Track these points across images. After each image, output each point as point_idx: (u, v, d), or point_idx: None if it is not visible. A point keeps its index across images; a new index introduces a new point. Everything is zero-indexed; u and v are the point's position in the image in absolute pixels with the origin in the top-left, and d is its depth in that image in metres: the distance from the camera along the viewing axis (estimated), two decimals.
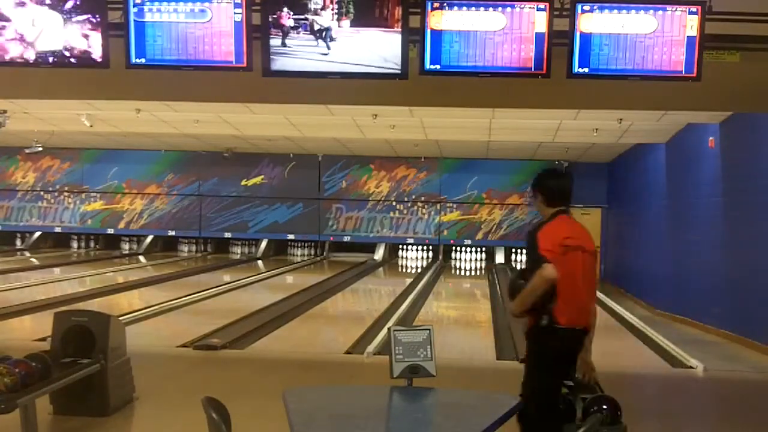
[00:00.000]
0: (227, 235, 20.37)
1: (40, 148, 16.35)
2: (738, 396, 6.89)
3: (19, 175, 20.60)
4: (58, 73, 6.25)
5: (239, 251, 20.98)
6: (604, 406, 3.66)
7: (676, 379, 7.40)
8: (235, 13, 5.70)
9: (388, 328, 3.59)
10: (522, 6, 5.60)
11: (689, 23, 5.58)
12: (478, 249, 20.21)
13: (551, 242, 3.91)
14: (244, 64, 5.78)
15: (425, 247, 20.18)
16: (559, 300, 3.90)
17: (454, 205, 19.68)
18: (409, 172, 19.73)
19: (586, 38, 5.63)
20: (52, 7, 5.77)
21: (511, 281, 4.20)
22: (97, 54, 5.83)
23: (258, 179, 20.03)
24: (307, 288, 13.86)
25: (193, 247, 21.29)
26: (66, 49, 5.82)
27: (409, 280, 15.49)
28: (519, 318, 4.13)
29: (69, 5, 5.77)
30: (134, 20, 5.74)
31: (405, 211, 19.78)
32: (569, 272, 3.88)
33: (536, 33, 5.62)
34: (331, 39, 5.66)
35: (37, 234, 20.95)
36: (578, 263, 3.94)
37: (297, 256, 20.67)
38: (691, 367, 7.61)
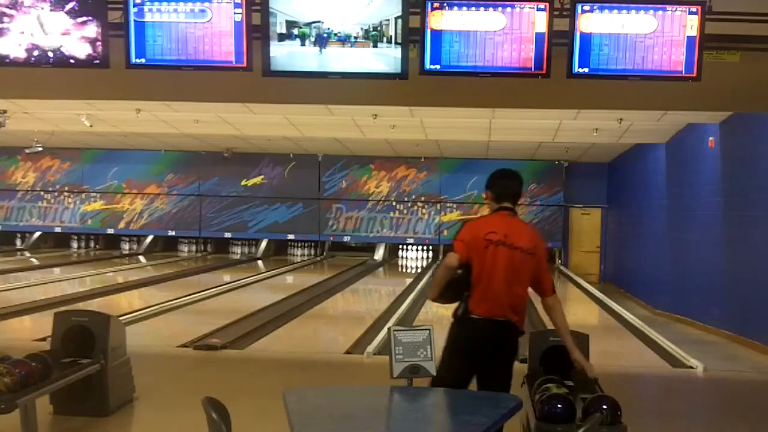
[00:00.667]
0: (227, 235, 20.38)
1: (40, 148, 16.35)
2: (738, 396, 6.89)
3: (19, 175, 20.60)
4: (58, 73, 6.25)
5: (239, 251, 20.98)
6: (604, 406, 3.66)
7: (676, 379, 7.40)
8: (235, 13, 5.70)
9: (388, 328, 3.59)
10: (522, 6, 5.60)
11: (689, 23, 5.57)
12: None
13: (470, 234, 4.04)
14: (244, 64, 5.77)
15: (425, 247, 20.18)
16: (475, 291, 3.99)
17: (454, 205, 19.68)
18: (409, 172, 19.74)
19: (586, 38, 5.63)
20: (52, 6, 5.77)
21: (434, 268, 4.26)
22: (96, 54, 5.82)
23: (258, 179, 20.03)
24: (307, 288, 13.86)
25: (193, 247, 21.29)
26: (66, 49, 5.82)
27: (409, 280, 15.48)
28: (442, 304, 4.21)
29: (69, 5, 5.76)
30: (134, 20, 5.74)
31: (405, 211, 19.78)
32: (488, 265, 3.96)
33: (536, 33, 5.62)
34: None
35: (37, 234, 20.96)
36: (501, 258, 3.96)
37: (297, 256, 20.67)
38: (691, 367, 7.61)
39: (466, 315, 4.02)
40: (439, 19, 5.63)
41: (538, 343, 4.88)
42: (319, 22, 5.66)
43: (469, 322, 4.01)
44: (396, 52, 5.67)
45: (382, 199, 19.82)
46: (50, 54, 5.82)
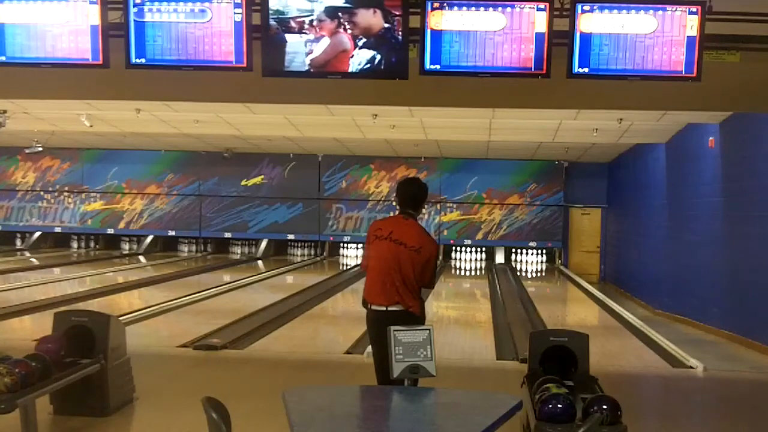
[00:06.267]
0: (227, 235, 20.38)
1: (40, 148, 16.36)
2: (738, 396, 6.89)
3: (19, 175, 20.61)
4: (58, 73, 6.25)
5: (239, 251, 20.99)
6: (604, 406, 3.66)
7: (676, 379, 7.40)
8: (235, 13, 5.69)
9: (388, 328, 3.59)
10: (522, 6, 5.59)
11: (689, 23, 5.57)
12: (478, 249, 20.22)
13: (369, 233, 4.83)
14: (244, 64, 5.77)
15: None
16: (366, 279, 4.76)
17: (454, 205, 19.68)
18: (409, 172, 19.72)
19: (586, 38, 5.63)
20: (54, 5, 5.77)
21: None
22: (96, 54, 5.82)
23: (258, 179, 20.03)
24: (307, 288, 13.86)
25: (193, 247, 21.29)
26: (66, 49, 5.82)
27: None
28: None
29: (71, 5, 5.76)
30: (134, 20, 5.73)
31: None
32: (374, 257, 4.69)
33: (536, 33, 5.61)
34: None
35: (37, 234, 20.95)
36: (384, 250, 4.62)
37: (297, 256, 20.67)
38: (691, 367, 7.62)
39: (363, 302, 4.78)
40: (439, 19, 5.63)
41: (538, 343, 4.88)
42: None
43: (366, 308, 4.74)
44: None
45: (382, 199, 19.82)
46: (51, 54, 5.82)
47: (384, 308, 4.63)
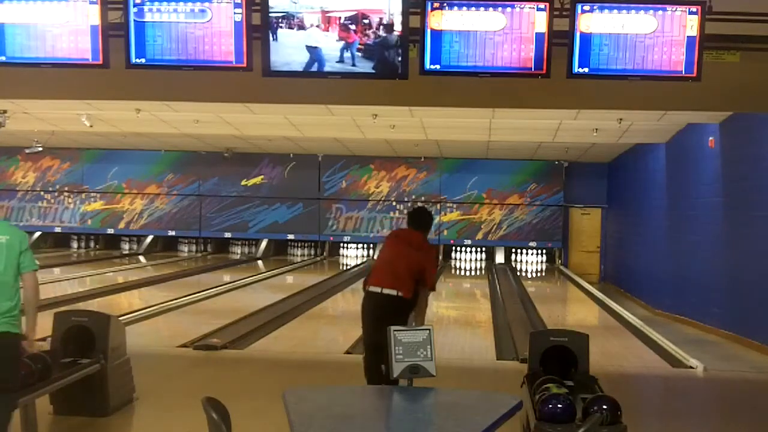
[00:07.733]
0: (227, 235, 20.39)
1: (40, 148, 16.35)
2: (738, 396, 6.89)
3: (19, 175, 20.61)
4: (58, 73, 6.25)
5: (239, 251, 20.99)
6: (604, 406, 3.66)
7: (676, 379, 7.40)
8: (235, 13, 5.69)
9: (388, 328, 3.59)
10: (522, 6, 5.59)
11: (689, 23, 5.57)
12: (478, 249, 20.22)
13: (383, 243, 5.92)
14: (244, 64, 5.77)
15: None
16: (371, 270, 5.60)
17: (454, 205, 19.68)
18: (409, 172, 19.74)
19: (586, 38, 5.63)
20: (54, 5, 5.77)
21: None
22: (96, 54, 5.82)
23: (258, 179, 20.04)
24: (307, 288, 13.86)
25: (193, 247, 21.29)
26: (66, 49, 5.82)
27: None
28: None
29: (71, 5, 5.76)
30: (134, 20, 5.73)
31: (405, 211, 19.77)
32: (381, 253, 5.73)
33: (536, 33, 5.61)
34: None
35: (37, 234, 20.94)
36: (392, 245, 5.64)
37: (297, 256, 20.67)
38: (691, 367, 7.62)
39: (363, 281, 5.55)
40: (439, 19, 5.63)
41: (538, 343, 4.88)
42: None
43: (364, 291, 5.49)
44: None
45: (382, 199, 19.82)
46: (50, 54, 5.82)
47: (379, 290, 5.33)
